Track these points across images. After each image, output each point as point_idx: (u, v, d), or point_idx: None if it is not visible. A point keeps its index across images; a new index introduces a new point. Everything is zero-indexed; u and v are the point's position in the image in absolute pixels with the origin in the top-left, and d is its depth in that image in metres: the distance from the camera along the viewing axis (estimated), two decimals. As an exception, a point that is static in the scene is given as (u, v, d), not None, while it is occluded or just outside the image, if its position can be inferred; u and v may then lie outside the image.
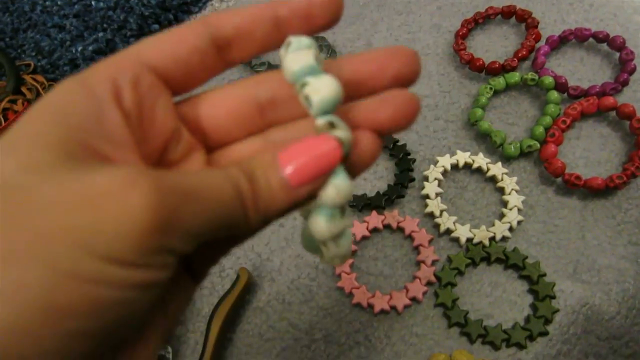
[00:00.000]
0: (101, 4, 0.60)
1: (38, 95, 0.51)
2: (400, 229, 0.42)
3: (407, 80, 0.20)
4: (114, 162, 0.16)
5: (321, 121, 0.18)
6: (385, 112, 0.19)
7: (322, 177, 0.18)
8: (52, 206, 0.14)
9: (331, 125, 0.18)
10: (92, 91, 0.17)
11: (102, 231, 0.14)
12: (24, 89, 0.52)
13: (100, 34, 0.57)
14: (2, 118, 0.48)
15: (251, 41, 0.19)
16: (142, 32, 0.58)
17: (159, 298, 0.17)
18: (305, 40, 0.18)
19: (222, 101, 0.20)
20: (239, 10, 0.19)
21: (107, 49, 0.56)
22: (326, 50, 0.51)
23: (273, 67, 0.51)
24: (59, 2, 0.62)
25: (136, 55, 0.18)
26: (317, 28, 0.20)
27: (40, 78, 0.54)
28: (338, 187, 0.18)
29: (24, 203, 0.14)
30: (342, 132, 0.18)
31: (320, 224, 0.18)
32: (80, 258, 0.14)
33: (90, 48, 0.56)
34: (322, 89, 0.18)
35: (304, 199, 0.18)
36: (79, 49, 0.56)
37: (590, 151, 0.44)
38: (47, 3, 0.63)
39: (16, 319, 0.13)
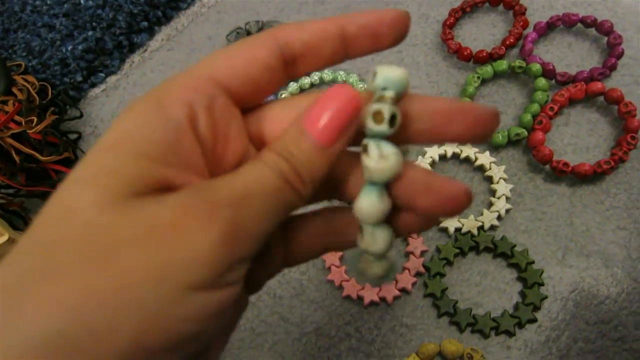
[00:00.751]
0: (90, 3, 0.60)
1: (29, 95, 0.52)
2: (389, 221, 0.42)
3: (472, 141, 0.19)
4: (185, 185, 0.17)
5: (377, 92, 0.18)
6: (424, 200, 0.19)
7: (349, 127, 0.18)
8: (128, 245, 0.15)
9: (382, 99, 0.18)
10: (168, 116, 0.17)
11: (177, 264, 0.15)
12: (15, 90, 0.52)
13: (90, 33, 0.57)
14: (-7, 120, 0.49)
15: (318, 57, 0.19)
16: (131, 29, 0.58)
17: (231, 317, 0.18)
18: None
19: (284, 116, 0.20)
20: (307, 25, 0.19)
21: (97, 48, 0.56)
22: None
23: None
24: (48, 2, 0.62)
25: (209, 73, 0.18)
26: (383, 47, 0.20)
27: (31, 78, 0.54)
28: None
29: (102, 243, 0.15)
30: (387, 108, 0.18)
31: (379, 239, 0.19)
32: (164, 295, 0.15)
33: (80, 47, 0.56)
34: (387, 71, 0.18)
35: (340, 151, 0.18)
36: (69, 48, 0.57)
37: (579, 137, 0.44)
38: (37, 3, 0.63)
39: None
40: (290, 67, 0.19)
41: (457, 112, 0.18)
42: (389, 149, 0.18)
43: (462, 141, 0.19)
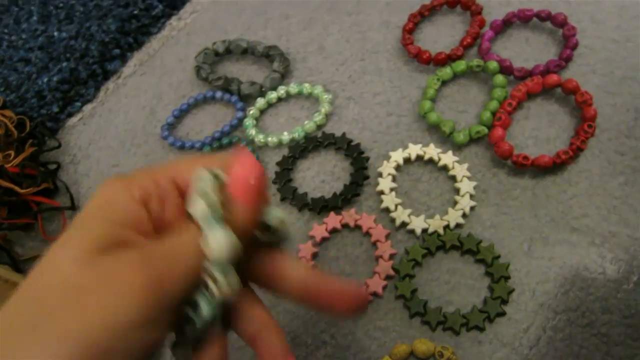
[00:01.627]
0: (63, 34, 0.61)
1: (7, 130, 0.53)
2: (358, 227, 0.43)
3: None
4: (136, 246, 0.22)
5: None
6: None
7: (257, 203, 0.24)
8: (91, 291, 0.20)
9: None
10: (131, 195, 0.23)
11: (119, 307, 0.20)
12: (-7, 126, 0.54)
13: (64, 64, 0.59)
14: (-28, 157, 0.50)
15: None
16: (104, 57, 0.59)
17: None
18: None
19: (197, 162, 0.25)
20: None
21: (72, 78, 0.58)
22: (279, 58, 0.52)
23: (229, 80, 0.52)
24: (23, 36, 0.64)
25: (169, 173, 0.25)
26: None
27: (8, 113, 0.55)
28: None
29: (75, 290, 0.20)
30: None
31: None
32: (109, 336, 0.20)
33: (55, 79, 0.58)
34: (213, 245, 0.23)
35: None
36: (45, 80, 0.58)
37: (539, 130, 0.45)
38: (13, 38, 0.65)
39: None
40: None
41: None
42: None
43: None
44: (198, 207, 0.23)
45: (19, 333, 0.19)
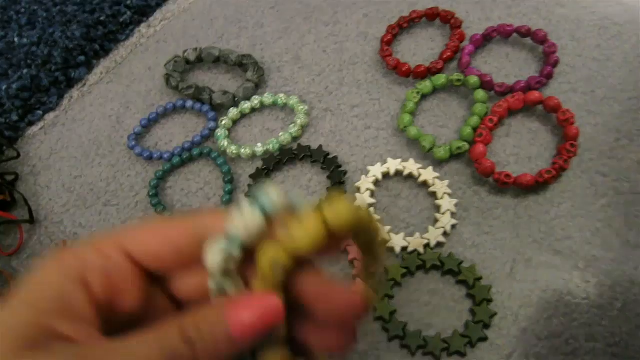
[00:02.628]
0: (24, 41, 0.58)
1: (-39, 138, 0.50)
2: (335, 244, 0.41)
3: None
4: (71, 339, 0.19)
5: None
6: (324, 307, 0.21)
7: (265, 333, 0.19)
8: None
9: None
10: (66, 275, 0.19)
11: None
12: (-54, 134, 0.50)
13: (25, 71, 0.56)
14: None
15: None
16: (68, 65, 0.56)
17: None
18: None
19: (158, 235, 0.21)
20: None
21: (33, 85, 0.55)
22: (252, 67, 0.50)
23: (200, 89, 0.50)
24: (-17, 41, 0.61)
25: (119, 242, 0.21)
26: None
27: (-37, 120, 0.52)
28: None
29: None
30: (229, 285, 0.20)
31: None
32: None
33: (15, 86, 0.54)
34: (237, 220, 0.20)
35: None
36: (4, 87, 0.55)
37: (521, 147, 0.44)
38: (-28, 42, 0.61)
39: None
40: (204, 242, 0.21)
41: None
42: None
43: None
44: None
45: None
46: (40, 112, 0.55)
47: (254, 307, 0.19)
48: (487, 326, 0.37)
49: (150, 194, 0.46)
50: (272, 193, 0.20)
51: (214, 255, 0.20)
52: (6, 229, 0.48)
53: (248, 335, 0.19)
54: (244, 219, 0.19)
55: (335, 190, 0.43)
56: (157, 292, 0.22)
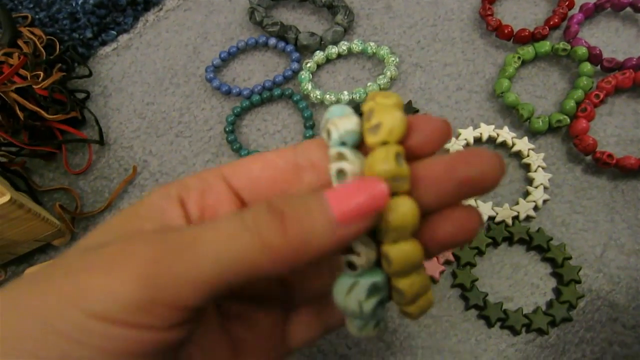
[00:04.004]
0: (104, -45, 0.56)
1: (35, 48, 0.48)
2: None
3: (479, 187, 0.18)
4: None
5: (333, 150, 0.18)
6: (445, 228, 0.18)
7: (368, 218, 0.17)
8: (68, 273, 0.17)
9: (341, 156, 0.18)
10: (166, 194, 0.19)
11: (90, 290, 0.16)
12: (20, 42, 0.49)
13: (103, -14, 0.54)
14: (-3, 72, 0.45)
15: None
16: (146, -15, 0.54)
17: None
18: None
19: (259, 160, 0.20)
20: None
21: (109, 3, 0.53)
22: (343, 11, 0.48)
23: (286, 27, 0.48)
24: (59, -49, 0.58)
25: (218, 171, 0.20)
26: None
27: (37, 31, 0.51)
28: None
29: (63, 270, 0.17)
30: (348, 165, 0.18)
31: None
32: (72, 317, 0.15)
33: (92, 1, 0.52)
34: (340, 123, 0.18)
35: (349, 241, 0.17)
36: (80, 2, 0.53)
37: (623, 128, 0.41)
38: (47, -48, 0.59)
39: None
40: (305, 172, 0.20)
41: (459, 159, 0.18)
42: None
43: (467, 191, 0.18)
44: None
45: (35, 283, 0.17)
46: (114, 32, 0.53)
47: (361, 191, 0.17)
48: (573, 307, 0.35)
49: (227, 129, 0.44)
50: (345, 107, 0.19)
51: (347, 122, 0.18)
52: (75, 148, 0.47)
53: (351, 220, 0.16)
54: (347, 118, 0.18)
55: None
56: None
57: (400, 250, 0.18)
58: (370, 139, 0.18)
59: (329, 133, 0.19)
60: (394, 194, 0.17)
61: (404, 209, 0.17)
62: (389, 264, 0.18)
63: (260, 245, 0.16)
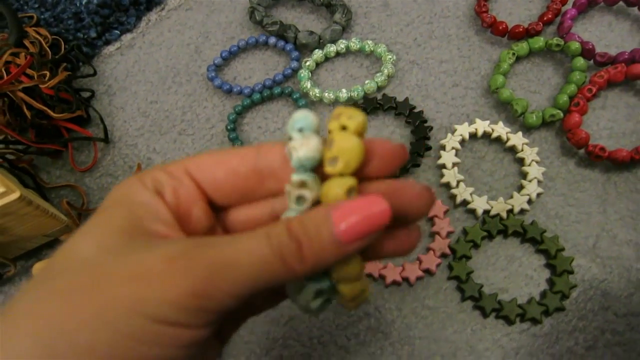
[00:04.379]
0: (106, -44, 0.57)
1: (41, 48, 0.49)
2: (415, 199, 0.41)
3: (407, 220, 0.21)
4: (166, 237, 0.21)
5: (295, 178, 0.20)
6: (387, 248, 0.21)
7: (371, 235, 0.19)
8: (116, 280, 0.18)
9: (303, 184, 0.20)
10: (144, 185, 0.21)
11: (151, 299, 0.18)
12: (26, 42, 0.50)
13: (106, -13, 0.55)
14: (4, 71, 0.47)
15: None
16: (149, -14, 0.55)
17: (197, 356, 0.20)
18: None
19: (223, 163, 0.22)
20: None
21: (113, 3, 0.54)
22: (341, 10, 0.49)
23: (286, 26, 0.49)
24: (62, -47, 0.59)
25: (184, 165, 0.22)
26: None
27: (43, 31, 0.52)
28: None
29: (96, 276, 0.19)
30: (309, 193, 0.20)
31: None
32: (136, 321, 0.18)
33: (95, 1, 0.54)
34: (300, 150, 0.20)
35: (352, 254, 0.20)
36: (84, 2, 0.54)
37: (615, 122, 0.42)
38: (50, -47, 0.60)
39: None
40: (267, 179, 0.22)
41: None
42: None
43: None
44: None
45: (16, 313, 0.18)
46: (117, 31, 0.54)
47: (363, 209, 0.19)
48: (565, 297, 0.36)
49: (229, 127, 0.45)
50: (309, 115, 0.20)
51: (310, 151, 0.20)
52: (81, 145, 0.48)
53: (353, 238, 0.19)
54: (307, 142, 0.20)
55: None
56: (216, 226, 0.23)
57: (341, 267, 0.20)
58: (329, 169, 0.20)
59: (290, 153, 0.20)
60: None
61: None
62: (332, 273, 0.21)
63: (284, 267, 0.19)
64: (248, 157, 0.22)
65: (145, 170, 0.22)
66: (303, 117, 0.20)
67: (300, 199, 0.20)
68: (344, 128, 0.20)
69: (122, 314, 0.18)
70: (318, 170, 0.20)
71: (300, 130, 0.20)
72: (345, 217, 0.18)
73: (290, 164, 0.20)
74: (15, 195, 0.36)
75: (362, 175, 0.21)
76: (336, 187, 0.20)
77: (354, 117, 0.20)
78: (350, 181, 0.20)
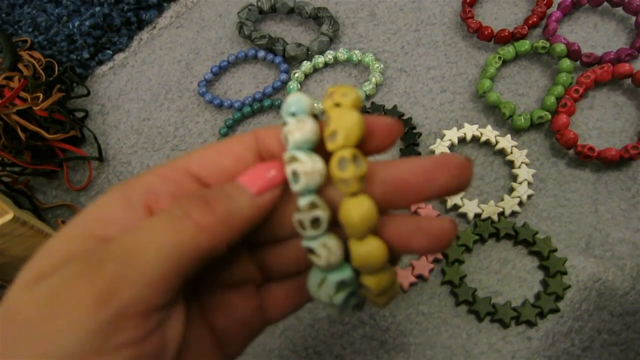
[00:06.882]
0: (97, -22, 0.58)
1: (35, 71, 0.50)
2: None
3: (453, 192, 0.20)
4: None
5: (287, 155, 0.20)
6: (419, 242, 0.19)
7: (272, 189, 0.20)
8: (29, 320, 0.17)
9: (294, 159, 0.19)
10: (128, 200, 0.19)
11: (56, 339, 0.16)
12: (20, 66, 0.51)
13: (97, 9, 0.56)
14: (-2, 96, 0.47)
15: None
16: (139, 5, 0.56)
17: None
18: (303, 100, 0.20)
19: (227, 151, 0.21)
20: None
21: (104, 24, 0.55)
22: (328, 21, 0.49)
23: (274, 39, 0.49)
24: (54, -23, 0.60)
25: (182, 164, 0.20)
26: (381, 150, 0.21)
27: (37, 54, 0.53)
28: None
29: (13, 322, 0.17)
30: (300, 167, 0.19)
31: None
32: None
33: (87, 23, 0.54)
34: (296, 132, 0.19)
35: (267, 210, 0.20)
36: (76, 24, 0.55)
37: (604, 121, 0.42)
38: (43, -22, 0.61)
39: None
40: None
41: (437, 167, 0.19)
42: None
43: (443, 195, 0.20)
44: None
45: None
46: (110, 51, 0.55)
47: (263, 168, 0.20)
48: (560, 298, 0.36)
49: (220, 141, 0.46)
50: (302, 98, 0.20)
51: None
52: (75, 165, 0.48)
53: (263, 188, 0.19)
54: (302, 125, 0.19)
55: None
56: None
57: (360, 248, 0.19)
58: (330, 146, 0.19)
59: (286, 138, 0.20)
60: (352, 194, 0.19)
61: (358, 208, 0.19)
62: (352, 259, 0.19)
63: (194, 226, 0.18)
64: (249, 143, 0.21)
65: (137, 176, 0.20)
66: (296, 99, 0.20)
67: (294, 174, 0.19)
68: (337, 105, 0.20)
69: None
70: (318, 151, 0.20)
71: (294, 114, 0.20)
72: (251, 178, 0.20)
73: (285, 147, 0.20)
74: (8, 216, 0.36)
75: (365, 150, 0.20)
76: (337, 160, 0.19)
77: (348, 94, 0.20)
78: (352, 151, 0.19)
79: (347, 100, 0.19)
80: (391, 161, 0.20)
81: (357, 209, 0.18)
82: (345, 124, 0.19)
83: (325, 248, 0.19)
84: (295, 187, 0.19)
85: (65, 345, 0.16)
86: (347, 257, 0.20)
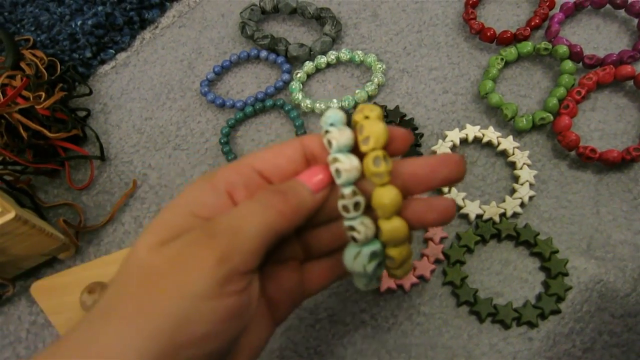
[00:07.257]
0: (100, -23, 0.58)
1: (37, 70, 0.50)
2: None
3: (452, 182, 0.27)
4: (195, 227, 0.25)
5: (331, 157, 0.26)
6: (431, 216, 0.27)
7: (324, 188, 0.27)
8: (161, 275, 0.23)
9: (336, 160, 0.26)
10: (215, 187, 0.25)
11: (188, 284, 0.22)
12: (23, 65, 0.51)
13: (100, 8, 0.56)
14: (0, 94, 0.47)
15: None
16: (142, 5, 0.56)
17: (244, 328, 0.24)
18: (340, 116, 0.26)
19: (281, 153, 0.27)
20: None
21: (107, 23, 0.55)
22: (331, 22, 0.49)
23: (276, 39, 0.49)
24: (57, -24, 0.60)
25: (249, 162, 0.26)
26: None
27: (39, 53, 0.53)
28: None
29: (147, 275, 0.23)
30: (341, 165, 0.25)
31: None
32: (185, 305, 0.22)
33: (90, 22, 0.54)
34: (340, 138, 0.25)
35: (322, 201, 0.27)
36: (79, 23, 0.55)
37: (606, 123, 0.42)
38: (46, -23, 0.61)
39: (156, 353, 0.21)
40: (311, 163, 0.27)
41: (439, 163, 0.26)
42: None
43: (445, 184, 0.28)
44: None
45: (101, 317, 0.22)
46: (112, 51, 0.55)
47: (316, 171, 0.27)
48: (561, 299, 0.36)
49: (222, 141, 0.46)
50: (339, 112, 0.26)
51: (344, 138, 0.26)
52: (77, 164, 0.48)
53: (319, 187, 0.26)
54: (343, 132, 0.25)
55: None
56: None
57: (388, 224, 0.25)
58: (364, 148, 0.25)
59: (329, 142, 0.26)
60: (382, 184, 0.25)
61: (388, 194, 0.25)
62: (381, 234, 0.26)
63: (277, 212, 0.24)
64: (297, 147, 0.27)
65: (217, 170, 0.26)
66: (334, 114, 0.26)
67: (337, 171, 0.25)
68: (367, 117, 0.26)
69: (175, 301, 0.21)
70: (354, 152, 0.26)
71: (332, 124, 0.26)
72: (311, 178, 0.26)
73: (328, 150, 0.26)
74: (10, 215, 0.36)
75: (388, 152, 0.26)
76: (372, 159, 0.25)
77: (374, 109, 0.26)
78: (381, 152, 0.25)
79: (374, 114, 0.26)
80: (405, 159, 0.27)
81: (387, 195, 0.25)
82: (375, 131, 0.25)
83: (363, 225, 0.25)
84: (339, 181, 0.26)
85: (197, 290, 0.22)
86: (375, 235, 0.26)
